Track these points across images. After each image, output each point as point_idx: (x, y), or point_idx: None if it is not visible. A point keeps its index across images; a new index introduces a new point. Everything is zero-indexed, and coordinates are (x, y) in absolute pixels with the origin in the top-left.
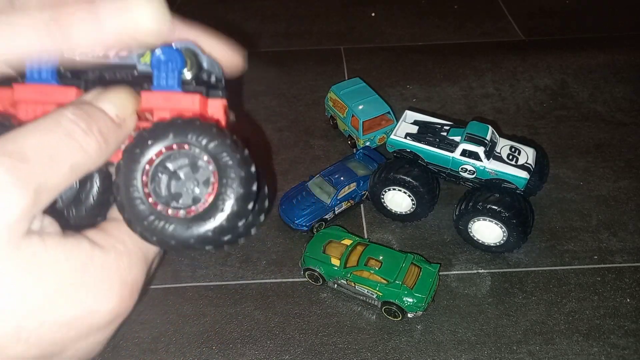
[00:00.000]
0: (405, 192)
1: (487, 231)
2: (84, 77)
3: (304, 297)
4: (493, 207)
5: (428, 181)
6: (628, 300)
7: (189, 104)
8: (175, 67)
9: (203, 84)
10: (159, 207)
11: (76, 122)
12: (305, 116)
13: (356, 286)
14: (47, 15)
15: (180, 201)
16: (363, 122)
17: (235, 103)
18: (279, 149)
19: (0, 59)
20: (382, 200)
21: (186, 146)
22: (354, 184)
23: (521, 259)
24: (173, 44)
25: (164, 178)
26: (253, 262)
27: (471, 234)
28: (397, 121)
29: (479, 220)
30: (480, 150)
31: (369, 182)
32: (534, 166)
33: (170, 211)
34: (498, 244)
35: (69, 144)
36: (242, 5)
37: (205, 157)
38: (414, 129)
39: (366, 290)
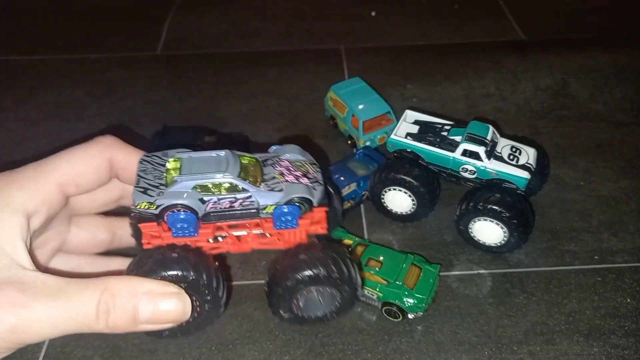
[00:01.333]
0: (405, 192)
1: (488, 231)
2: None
3: None
4: (494, 207)
5: (428, 181)
6: (629, 300)
7: (302, 228)
8: (293, 217)
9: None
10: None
11: (96, 308)
12: (305, 116)
13: None
14: (97, 304)
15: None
16: (363, 122)
17: None
18: None
19: (52, 336)
20: (383, 201)
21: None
22: (354, 184)
23: (522, 259)
24: (291, 198)
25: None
26: (253, 262)
27: (472, 235)
28: (398, 121)
29: (479, 220)
30: (481, 150)
31: (369, 182)
32: (534, 166)
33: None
34: (499, 244)
35: (73, 322)
36: (242, 5)
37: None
38: (415, 129)
39: (366, 291)
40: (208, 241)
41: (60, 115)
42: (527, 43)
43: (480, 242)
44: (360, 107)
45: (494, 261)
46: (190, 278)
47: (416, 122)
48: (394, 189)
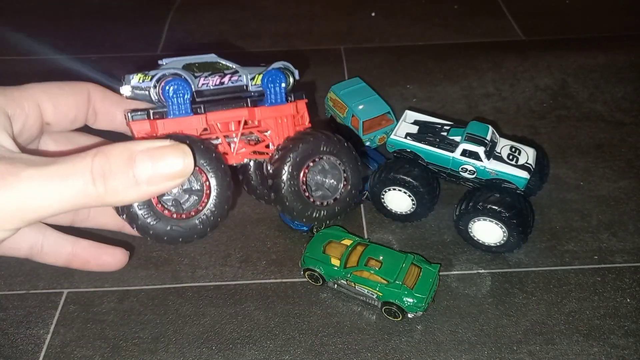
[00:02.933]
0: (405, 192)
1: (488, 231)
2: (205, 100)
3: (304, 297)
4: (493, 207)
5: (428, 181)
6: (628, 300)
7: (289, 110)
8: (279, 85)
9: (292, 92)
10: (312, 200)
11: (91, 171)
12: None
13: (356, 286)
14: (91, 166)
15: (321, 193)
16: (363, 122)
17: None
18: None
19: (55, 210)
20: (382, 200)
21: (326, 157)
22: None
23: (521, 259)
24: (275, 65)
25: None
26: (253, 262)
27: (471, 234)
28: (397, 121)
29: (479, 220)
30: (480, 150)
31: (369, 182)
32: (534, 166)
33: (317, 202)
34: (498, 244)
35: (68, 188)
36: (242, 5)
37: (339, 162)
38: (414, 129)
39: (366, 291)
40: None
41: None
42: (527, 43)
43: (480, 241)
44: (360, 107)
45: (494, 261)
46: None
47: (416, 122)
48: (394, 189)
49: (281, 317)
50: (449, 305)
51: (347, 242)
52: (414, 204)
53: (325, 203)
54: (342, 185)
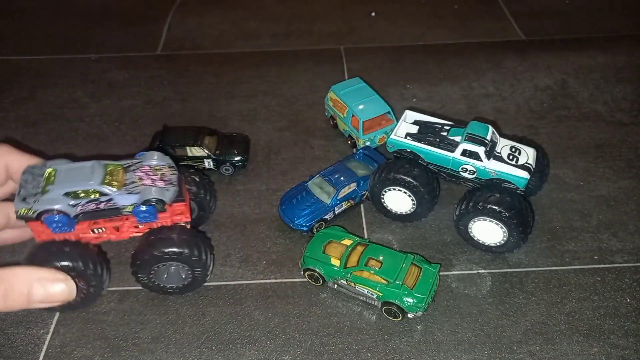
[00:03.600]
0: (405, 192)
1: (488, 231)
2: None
3: (304, 297)
4: (493, 207)
5: (428, 181)
6: (628, 300)
7: (163, 219)
8: (151, 213)
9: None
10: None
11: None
12: (305, 116)
13: (356, 286)
14: (4, 289)
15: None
16: (363, 122)
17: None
18: (279, 149)
19: None
20: (382, 201)
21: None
22: (354, 184)
23: (521, 259)
24: (150, 199)
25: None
26: (253, 262)
27: (471, 234)
28: (398, 121)
29: (479, 220)
30: (480, 150)
31: (369, 182)
32: (534, 166)
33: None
34: (498, 244)
35: None
36: (242, 5)
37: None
38: (414, 129)
39: (366, 291)
40: (92, 233)
41: (60, 115)
42: (527, 43)
43: (480, 242)
44: (360, 107)
45: (494, 261)
46: (79, 268)
47: (416, 123)
48: (394, 189)
49: (281, 317)
50: (449, 305)
51: (347, 242)
52: (414, 204)
53: (169, 287)
54: (186, 279)
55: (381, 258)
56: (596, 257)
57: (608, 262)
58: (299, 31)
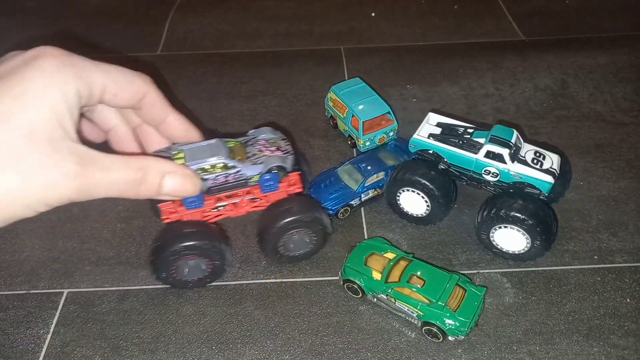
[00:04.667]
0: (420, 195)
1: (510, 239)
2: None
3: (304, 297)
4: (516, 214)
5: (445, 186)
6: (628, 300)
7: (282, 189)
8: (273, 181)
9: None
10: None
11: (133, 181)
12: (305, 116)
13: (396, 302)
14: (135, 174)
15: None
16: (363, 122)
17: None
18: None
19: (105, 196)
20: (397, 200)
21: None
22: (382, 173)
23: (523, 261)
24: (272, 167)
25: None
26: (253, 262)
27: (493, 242)
28: (397, 121)
29: (501, 228)
30: (505, 152)
31: (388, 178)
32: (558, 171)
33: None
34: (521, 252)
35: (115, 187)
36: (242, 5)
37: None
38: (437, 131)
39: (406, 308)
40: (212, 210)
41: None
42: (527, 43)
43: (503, 249)
44: (360, 107)
45: (494, 261)
46: (204, 246)
47: (439, 125)
48: (410, 190)
49: (281, 317)
50: None
51: (390, 255)
52: (428, 208)
53: (293, 254)
54: (309, 247)
55: (424, 276)
56: (596, 257)
57: (608, 262)
58: (299, 31)
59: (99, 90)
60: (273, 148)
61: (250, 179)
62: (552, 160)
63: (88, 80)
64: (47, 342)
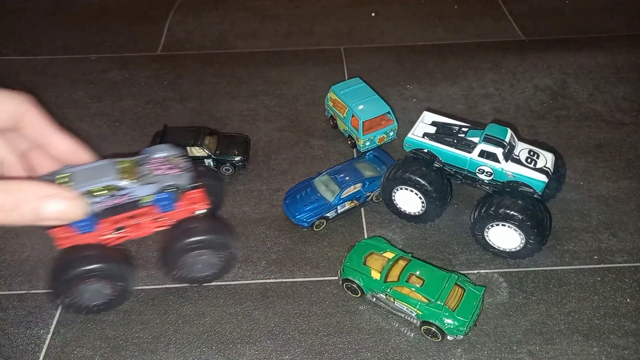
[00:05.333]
0: (415, 193)
1: (504, 237)
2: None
3: (304, 297)
4: (507, 210)
5: (440, 185)
6: (628, 300)
7: (183, 207)
8: (169, 200)
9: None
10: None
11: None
12: (305, 116)
13: (395, 302)
14: (4, 199)
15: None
16: (363, 122)
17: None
18: (279, 149)
19: None
20: (393, 198)
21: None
22: (360, 184)
23: (521, 259)
24: (166, 186)
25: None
26: (253, 262)
27: (488, 240)
28: (397, 121)
29: (495, 226)
30: (498, 151)
31: (382, 178)
32: (552, 170)
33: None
34: (516, 249)
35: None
36: (242, 5)
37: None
38: (432, 130)
39: (405, 308)
40: (113, 233)
41: (60, 116)
42: (527, 43)
43: (498, 248)
44: (360, 107)
45: (494, 261)
46: (105, 270)
47: (434, 123)
48: (405, 189)
49: (281, 317)
50: None
51: (389, 254)
52: (423, 206)
53: (198, 276)
54: (215, 267)
55: (424, 275)
56: (596, 257)
57: (608, 262)
58: (299, 31)
59: None
60: (168, 166)
61: (141, 199)
62: (546, 159)
63: None
64: (47, 342)
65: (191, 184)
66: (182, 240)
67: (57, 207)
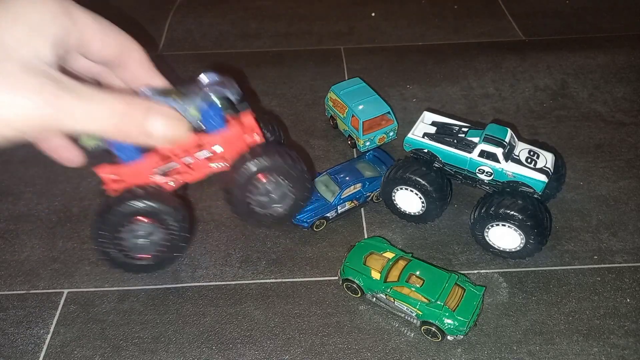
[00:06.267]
0: (415, 193)
1: (505, 237)
2: None
3: (304, 297)
4: (507, 211)
5: (440, 185)
6: (628, 300)
7: (235, 132)
8: (217, 114)
9: (234, 108)
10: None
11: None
12: (305, 116)
13: (395, 302)
14: (117, 106)
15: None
16: (363, 122)
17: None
18: None
19: (83, 130)
20: (393, 198)
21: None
22: (359, 184)
23: (521, 259)
24: (211, 95)
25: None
26: (253, 262)
27: (488, 240)
28: (397, 121)
29: (495, 226)
30: (498, 151)
31: (383, 178)
32: (552, 170)
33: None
34: (517, 249)
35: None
36: (242, 5)
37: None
38: (432, 130)
39: (405, 308)
40: (168, 184)
41: None
42: (527, 43)
43: (499, 248)
44: (360, 107)
45: (494, 261)
46: (154, 208)
47: (434, 123)
48: (405, 189)
49: (281, 317)
50: None
51: (389, 255)
52: (423, 206)
53: (270, 213)
54: (289, 198)
55: (423, 275)
56: (596, 257)
57: (608, 262)
58: (299, 31)
59: (87, 35)
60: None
61: (189, 111)
62: (546, 159)
63: (76, 21)
64: (47, 342)
65: (239, 98)
66: (246, 164)
67: (163, 123)
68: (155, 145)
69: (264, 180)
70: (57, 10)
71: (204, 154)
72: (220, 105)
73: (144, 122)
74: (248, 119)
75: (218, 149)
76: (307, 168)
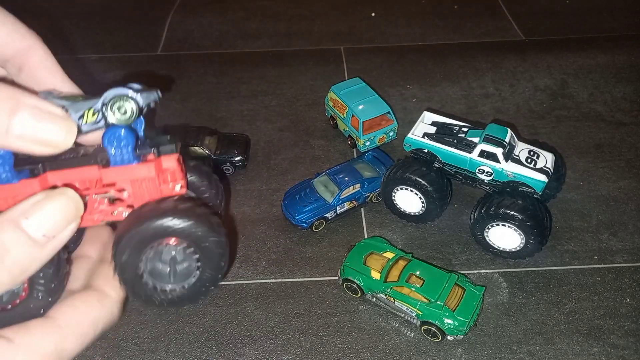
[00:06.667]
0: (416, 193)
1: (505, 237)
2: (40, 161)
3: (304, 297)
4: (507, 210)
5: (440, 185)
6: (628, 300)
7: (146, 172)
8: (127, 143)
9: (153, 144)
10: (157, 286)
11: None
12: (305, 116)
13: (395, 302)
14: None
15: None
16: (363, 122)
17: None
18: (279, 149)
19: None
20: (393, 198)
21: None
22: (359, 185)
23: (521, 259)
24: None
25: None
26: (253, 262)
27: (488, 240)
28: (397, 121)
29: (495, 226)
30: (498, 151)
31: (383, 178)
32: (552, 170)
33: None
34: (517, 249)
35: None
36: (242, 5)
37: (192, 248)
38: (432, 130)
39: (405, 308)
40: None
41: None
42: (527, 43)
43: (499, 248)
44: (360, 107)
45: (494, 261)
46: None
47: (434, 123)
48: (405, 189)
49: (281, 317)
50: None
51: (389, 254)
52: (423, 206)
53: (169, 290)
54: (194, 275)
55: (424, 275)
56: (596, 257)
57: (608, 262)
58: (299, 31)
59: None
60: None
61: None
62: (546, 159)
63: None
64: None
65: (152, 100)
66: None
67: (33, 120)
68: (22, 150)
69: (167, 245)
70: None
71: (107, 195)
72: (134, 137)
73: (8, 117)
74: (171, 162)
75: (126, 191)
76: (227, 241)
